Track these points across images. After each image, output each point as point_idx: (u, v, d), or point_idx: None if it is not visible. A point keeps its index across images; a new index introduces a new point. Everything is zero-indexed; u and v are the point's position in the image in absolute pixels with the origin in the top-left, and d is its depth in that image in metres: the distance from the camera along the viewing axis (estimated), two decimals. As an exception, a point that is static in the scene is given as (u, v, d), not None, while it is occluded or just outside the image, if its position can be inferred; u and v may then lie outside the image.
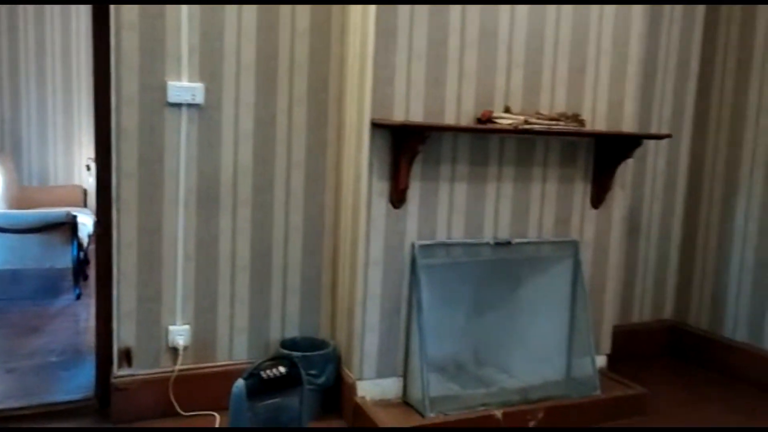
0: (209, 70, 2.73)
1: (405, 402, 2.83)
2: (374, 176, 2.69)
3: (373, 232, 2.72)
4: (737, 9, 3.56)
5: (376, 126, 2.64)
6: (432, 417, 2.65)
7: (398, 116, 2.69)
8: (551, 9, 2.90)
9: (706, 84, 3.74)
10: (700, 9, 3.72)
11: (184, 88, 2.68)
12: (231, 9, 2.74)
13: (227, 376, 2.59)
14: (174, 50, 2.67)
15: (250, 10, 2.77)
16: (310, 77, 2.92)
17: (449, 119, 2.78)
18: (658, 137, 3.10)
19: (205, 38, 2.71)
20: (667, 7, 3.63)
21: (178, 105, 2.69)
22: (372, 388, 2.80)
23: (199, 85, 2.71)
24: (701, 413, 3.10)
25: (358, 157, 2.75)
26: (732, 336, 3.59)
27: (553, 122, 2.73)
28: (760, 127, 3.46)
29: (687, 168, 3.85)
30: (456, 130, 2.75)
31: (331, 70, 2.95)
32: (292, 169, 2.94)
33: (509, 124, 2.67)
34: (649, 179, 3.75)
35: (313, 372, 2.79)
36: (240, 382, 2.15)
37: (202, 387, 2.82)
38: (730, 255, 3.61)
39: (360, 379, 2.79)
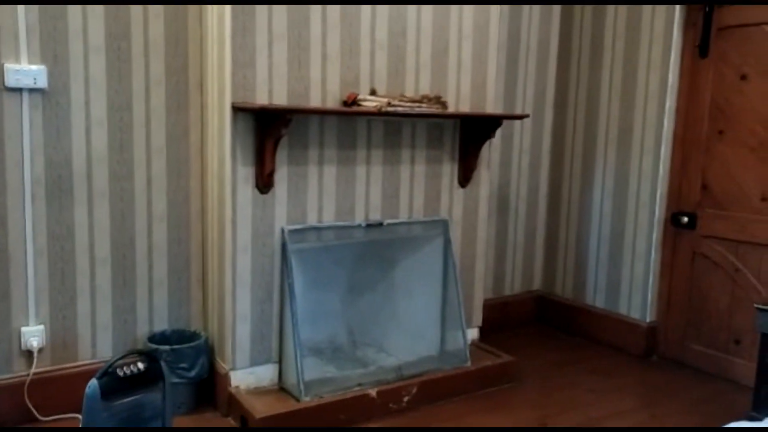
0: (52, 52, 2.54)
1: (281, 388, 2.81)
2: (238, 161, 2.62)
3: (239, 219, 2.66)
4: (590, -5, 3.79)
5: (238, 110, 2.57)
6: (307, 401, 2.66)
7: (261, 99, 2.63)
8: (413, -8, 2.93)
9: (565, 64, 3.95)
10: (558, -6, 3.92)
11: (24, 71, 2.47)
12: (75, -15, 2.55)
13: (91, 376, 2.45)
14: (9, 30, 2.45)
15: (97, -14, 2.60)
16: (167, 59, 2.79)
17: (314, 101, 2.76)
18: (517, 117, 3.24)
19: (46, 16, 2.51)
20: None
21: (18, 90, 2.48)
22: (246, 377, 2.76)
23: (41, 68, 2.51)
24: (566, 375, 3.32)
25: (221, 141, 2.67)
26: (593, 303, 3.86)
27: (416, 104, 2.77)
28: (611, 105, 3.71)
29: (550, 146, 4.06)
30: (317, 112, 2.73)
31: (191, 52, 2.84)
32: (152, 155, 2.81)
33: (373, 107, 2.68)
34: (516, 158, 3.93)
35: (183, 365, 2.71)
36: (93, 383, 2.04)
37: (64, 389, 2.66)
38: (589, 228, 3.87)
39: (233, 369, 2.74)
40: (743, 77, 3.14)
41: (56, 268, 2.65)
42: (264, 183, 2.67)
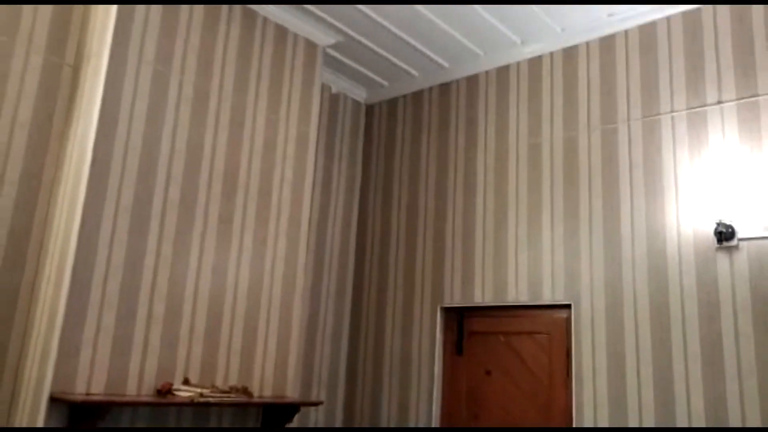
0: None
1: None
2: (46, 451, 2.70)
3: None
4: (376, 272, 4.65)
5: (54, 401, 2.72)
6: None
7: (80, 387, 2.82)
8: (230, 292, 3.47)
9: (355, 344, 4.64)
10: (349, 285, 4.75)
11: None
12: None
13: None
14: None
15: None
16: (-14, 344, 2.91)
17: (131, 389, 3.00)
18: (313, 404, 3.72)
19: None
20: (324, 283, 4.56)
21: None
22: None
23: None
24: None
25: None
26: None
27: (225, 395, 3.14)
28: (391, 383, 4.37)
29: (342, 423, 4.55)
30: (135, 404, 2.96)
31: (12, 337, 3.00)
32: (-53, 442, 2.76)
33: (187, 397, 3.00)
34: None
35: None
36: None
37: None
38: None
39: None
40: (488, 373, 4.01)
41: None
42: (69, 473, 2.74)
